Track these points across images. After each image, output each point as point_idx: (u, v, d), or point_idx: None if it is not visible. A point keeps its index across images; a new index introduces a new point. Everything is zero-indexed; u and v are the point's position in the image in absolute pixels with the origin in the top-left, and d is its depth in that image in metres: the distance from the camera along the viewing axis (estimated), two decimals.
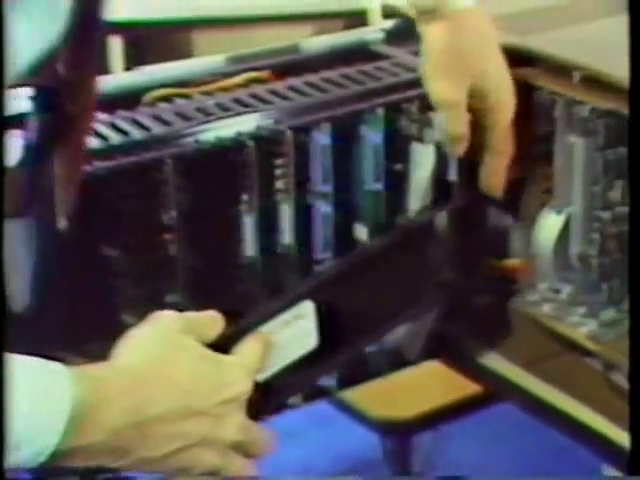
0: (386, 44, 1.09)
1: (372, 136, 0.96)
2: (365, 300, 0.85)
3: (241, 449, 0.77)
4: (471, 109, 0.95)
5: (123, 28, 1.62)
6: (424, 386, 1.54)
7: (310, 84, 0.99)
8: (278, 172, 0.92)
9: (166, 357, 0.75)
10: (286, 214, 0.93)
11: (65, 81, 0.76)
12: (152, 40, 1.73)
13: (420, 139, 0.98)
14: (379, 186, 0.98)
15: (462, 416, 1.58)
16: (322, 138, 0.93)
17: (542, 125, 0.98)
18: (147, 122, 0.90)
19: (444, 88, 0.95)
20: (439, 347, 1.04)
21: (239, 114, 0.92)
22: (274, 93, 0.97)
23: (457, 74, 0.95)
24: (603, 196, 0.97)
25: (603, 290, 1.00)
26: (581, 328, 1.00)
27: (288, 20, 1.61)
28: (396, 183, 0.98)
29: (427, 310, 0.97)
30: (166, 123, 0.90)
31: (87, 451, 0.70)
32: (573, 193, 0.98)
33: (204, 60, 1.03)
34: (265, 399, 0.77)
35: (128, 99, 0.94)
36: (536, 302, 1.02)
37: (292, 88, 0.98)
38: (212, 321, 0.78)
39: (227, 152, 0.89)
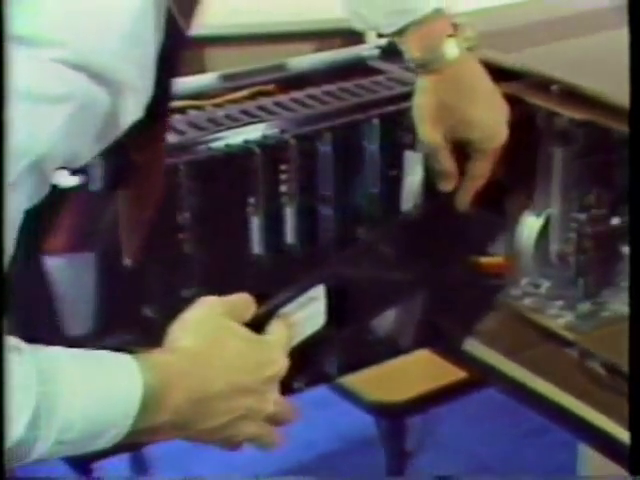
0: (381, 60, 1.09)
1: (369, 145, 0.96)
2: (365, 285, 0.87)
3: (274, 419, 0.79)
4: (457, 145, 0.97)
5: None
6: (415, 372, 1.54)
7: (312, 97, 0.99)
8: (283, 177, 0.92)
9: (217, 339, 0.76)
10: (290, 216, 0.93)
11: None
12: None
13: (412, 147, 0.98)
14: (375, 190, 0.98)
15: (450, 399, 1.58)
16: (323, 146, 0.93)
17: (524, 135, 0.98)
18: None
19: (429, 133, 0.96)
20: (429, 337, 1.04)
21: (247, 124, 0.92)
22: (279, 105, 0.97)
23: (441, 122, 0.95)
24: (579, 200, 0.98)
25: (579, 285, 1.00)
26: (559, 319, 1.00)
27: (291, 38, 1.61)
28: (391, 187, 0.98)
29: (415, 296, 0.98)
30: (180, 132, 0.90)
31: (154, 429, 0.72)
32: (552, 197, 0.98)
33: (215, 75, 1.03)
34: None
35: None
36: (518, 296, 1.03)
37: (295, 100, 0.98)
38: (246, 303, 0.79)
39: (236, 159, 0.89)
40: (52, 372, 0.67)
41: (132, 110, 0.67)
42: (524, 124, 0.97)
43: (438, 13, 0.95)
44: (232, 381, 0.75)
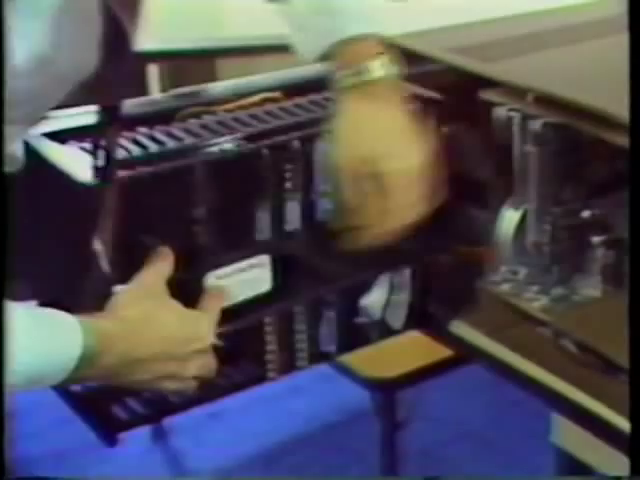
0: None
1: None
2: (318, 260, 0.90)
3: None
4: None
5: (159, 57, 1.61)
6: (407, 351, 1.53)
7: (314, 102, 0.99)
8: (287, 175, 0.92)
9: (153, 312, 0.80)
10: (294, 209, 0.93)
11: None
12: (183, 66, 1.73)
13: None
14: None
15: (438, 375, 1.58)
16: (324, 147, 0.93)
17: (503, 136, 0.98)
18: (180, 134, 0.90)
19: (342, 158, 0.86)
20: (419, 319, 1.04)
21: (254, 127, 0.92)
22: (284, 110, 0.97)
23: (357, 148, 0.85)
24: (553, 195, 0.97)
25: (553, 272, 1.00)
26: (535, 303, 1.00)
27: (290, 50, 1.60)
28: None
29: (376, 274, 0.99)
30: (196, 135, 0.90)
31: (85, 379, 0.77)
32: (529, 193, 0.98)
33: (226, 83, 1.02)
34: None
35: (164, 116, 0.94)
36: (498, 281, 1.02)
37: (299, 106, 0.98)
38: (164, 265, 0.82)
39: (246, 159, 0.89)
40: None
41: None
42: (502, 127, 0.97)
43: (367, 35, 0.85)
44: (160, 350, 0.79)
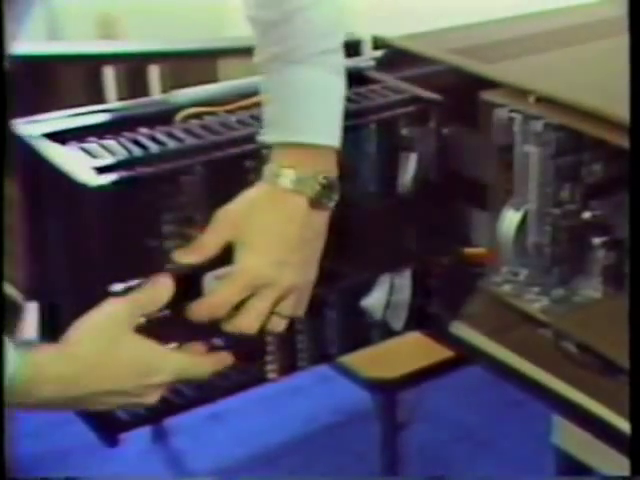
0: (376, 70, 1.08)
1: (367, 146, 0.96)
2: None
3: None
4: None
5: (160, 57, 1.61)
6: (407, 352, 1.54)
7: None
8: None
9: (105, 349, 0.77)
10: None
11: None
12: (184, 67, 1.73)
13: (407, 149, 0.98)
14: (373, 188, 0.97)
15: (439, 376, 1.58)
16: None
17: (504, 137, 0.98)
18: (181, 135, 0.89)
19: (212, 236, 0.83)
20: (420, 320, 1.04)
21: (257, 128, 0.91)
22: None
23: (229, 233, 0.82)
24: (554, 196, 0.97)
25: (554, 273, 1.00)
26: (536, 304, 1.00)
27: None
28: (388, 185, 0.98)
29: (379, 274, 0.98)
30: (197, 136, 0.90)
31: (30, 406, 0.76)
32: (529, 193, 0.98)
33: (227, 84, 1.02)
34: None
35: (165, 116, 0.94)
36: (499, 282, 1.02)
37: None
38: (153, 296, 0.80)
39: (247, 159, 0.88)
40: None
41: None
42: (504, 127, 0.98)
43: (317, 146, 0.81)
44: (111, 387, 0.77)
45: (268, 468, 1.91)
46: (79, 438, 1.97)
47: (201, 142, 0.88)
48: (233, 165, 0.87)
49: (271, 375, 0.95)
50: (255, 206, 0.82)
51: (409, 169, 0.98)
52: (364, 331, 1.01)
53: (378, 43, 1.12)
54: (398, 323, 1.03)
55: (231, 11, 1.79)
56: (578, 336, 0.97)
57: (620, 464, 0.89)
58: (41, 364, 0.75)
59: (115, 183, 0.81)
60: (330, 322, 0.98)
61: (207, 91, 0.99)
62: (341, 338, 0.99)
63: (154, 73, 1.62)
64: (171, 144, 0.87)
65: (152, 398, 0.80)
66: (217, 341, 0.86)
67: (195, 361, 0.82)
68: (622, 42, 0.86)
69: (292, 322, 0.91)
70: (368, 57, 1.10)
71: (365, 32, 1.25)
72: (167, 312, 0.83)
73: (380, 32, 1.13)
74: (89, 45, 1.88)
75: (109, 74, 1.59)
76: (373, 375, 1.56)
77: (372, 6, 1.85)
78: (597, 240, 0.99)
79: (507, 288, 1.02)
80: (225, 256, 0.83)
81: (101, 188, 0.81)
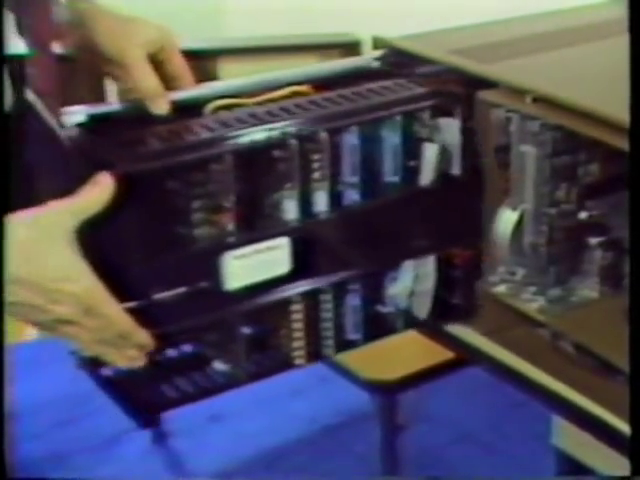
0: (381, 68, 1.08)
1: (391, 138, 0.97)
2: (340, 246, 0.93)
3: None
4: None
5: None
6: (407, 353, 1.55)
7: (342, 96, 0.99)
8: (315, 165, 0.93)
9: (35, 240, 0.80)
10: (320, 198, 0.95)
11: None
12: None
13: (430, 140, 0.99)
14: (396, 178, 0.99)
15: (438, 377, 1.59)
16: (351, 139, 0.95)
17: (501, 137, 0.98)
18: (213, 125, 0.91)
19: (123, 52, 0.93)
20: (443, 310, 1.04)
21: (285, 119, 0.94)
22: (313, 103, 0.98)
23: (129, 39, 0.93)
24: (550, 196, 0.97)
25: (550, 273, 1.00)
26: (532, 303, 1.00)
27: (295, 50, 1.61)
28: (410, 176, 0.99)
29: (386, 269, 1.00)
30: (228, 126, 0.92)
31: None
32: (526, 193, 0.98)
33: (255, 77, 1.03)
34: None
35: (195, 107, 0.96)
36: (496, 282, 1.02)
37: (328, 99, 0.99)
38: (97, 196, 0.82)
39: (274, 149, 0.91)
40: None
41: None
42: (500, 127, 0.98)
43: None
44: (26, 276, 0.79)
45: (268, 469, 1.92)
46: (79, 439, 1.99)
47: (231, 132, 0.90)
48: (262, 154, 0.90)
49: (298, 361, 0.97)
50: None
51: (431, 161, 0.99)
52: (389, 319, 1.02)
53: (378, 43, 1.12)
54: (422, 312, 1.03)
55: (231, 11, 1.80)
56: (575, 336, 0.97)
57: (620, 464, 0.89)
58: None
59: (151, 170, 0.84)
60: (355, 309, 0.99)
61: (235, 84, 1.01)
62: (365, 326, 1.00)
63: None
64: (203, 134, 0.90)
65: (64, 311, 0.81)
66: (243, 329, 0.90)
67: (113, 308, 0.84)
68: (621, 43, 0.87)
69: (317, 309, 0.95)
70: (369, 57, 1.11)
71: (365, 32, 1.26)
72: (184, 291, 0.86)
73: (380, 32, 1.14)
74: None
75: None
76: (373, 376, 1.57)
77: (372, 6, 1.86)
78: (594, 240, 0.99)
79: (504, 288, 1.02)
80: (245, 236, 0.87)
81: (137, 174, 0.83)
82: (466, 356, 1.08)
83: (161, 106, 0.94)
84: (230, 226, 0.89)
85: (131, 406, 0.91)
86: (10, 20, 0.92)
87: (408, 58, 1.07)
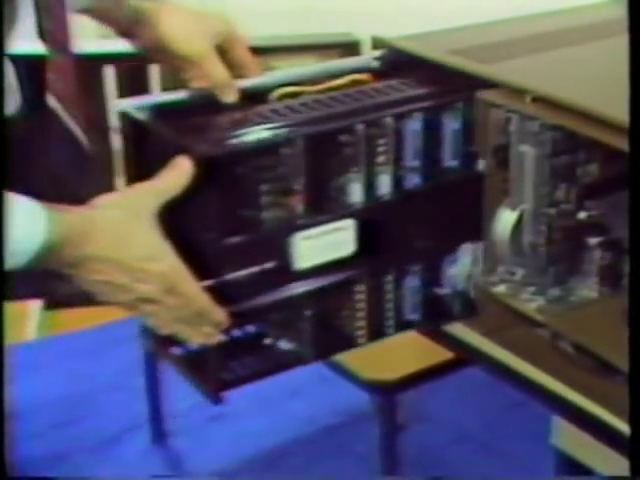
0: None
1: (452, 124, 0.99)
2: (403, 228, 0.97)
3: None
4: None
5: None
6: (406, 354, 1.55)
7: (404, 83, 1.02)
8: (380, 150, 0.96)
9: (121, 221, 0.83)
10: (384, 181, 0.97)
11: None
12: None
13: None
14: (455, 163, 1.01)
15: (438, 377, 1.59)
16: (414, 124, 0.97)
17: (500, 137, 0.99)
18: (282, 111, 0.95)
19: (193, 47, 0.98)
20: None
21: (349, 106, 0.97)
22: (376, 90, 1.00)
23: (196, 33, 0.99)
24: (550, 196, 0.98)
25: (550, 273, 1.00)
26: (532, 303, 1.00)
27: (295, 50, 1.62)
28: (468, 161, 1.01)
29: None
30: (297, 112, 0.95)
31: (53, 265, 0.82)
32: (525, 193, 0.98)
33: (316, 65, 1.07)
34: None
35: (259, 95, 0.99)
36: (495, 282, 1.03)
37: (389, 86, 1.01)
38: (176, 179, 0.85)
39: (342, 134, 0.93)
40: None
41: None
42: (500, 127, 0.99)
43: None
44: (114, 255, 0.82)
45: (268, 469, 1.92)
46: (79, 439, 1.99)
47: (302, 117, 0.94)
48: (329, 139, 0.93)
49: (360, 340, 0.99)
50: None
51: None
52: (447, 301, 1.04)
53: (378, 43, 1.12)
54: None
55: (231, 11, 1.80)
56: (574, 336, 0.97)
57: (619, 464, 0.90)
58: (71, 222, 0.81)
59: (225, 153, 0.87)
60: (413, 291, 1.01)
61: (297, 72, 1.05)
62: (424, 307, 1.03)
63: (154, 73, 1.63)
64: (274, 118, 0.93)
65: (147, 290, 0.84)
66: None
67: (193, 286, 0.86)
68: (620, 43, 0.87)
69: (380, 289, 0.98)
70: (369, 57, 1.11)
71: (365, 32, 1.26)
72: (255, 270, 0.90)
73: (380, 32, 1.14)
74: (89, 45, 1.89)
75: (109, 74, 1.60)
76: (373, 377, 1.57)
77: (372, 6, 1.86)
78: (593, 240, 0.99)
79: (503, 287, 1.02)
80: (313, 218, 0.91)
81: (215, 158, 0.86)
82: (466, 356, 1.08)
83: (231, 95, 0.98)
84: (299, 208, 0.93)
85: (200, 383, 0.95)
86: (30, 23, 0.94)
87: (408, 58, 1.07)
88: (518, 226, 0.99)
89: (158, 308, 0.86)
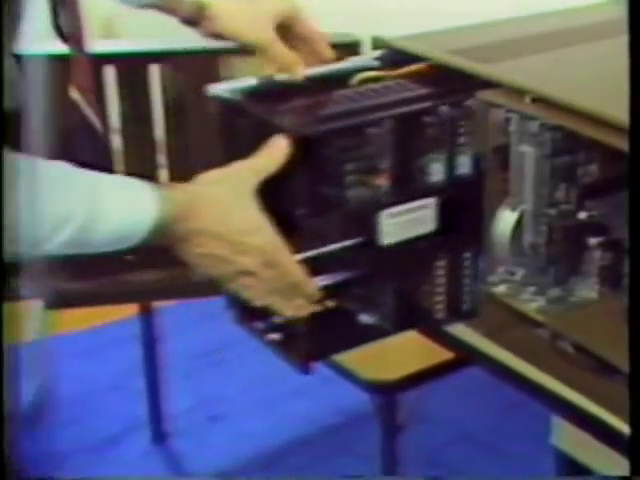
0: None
1: None
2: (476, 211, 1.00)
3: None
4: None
5: (159, 57, 1.62)
6: (407, 354, 1.55)
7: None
8: (460, 131, 0.98)
9: (223, 195, 0.87)
10: (465, 162, 0.99)
11: None
12: (185, 66, 1.73)
13: None
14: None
15: (438, 378, 1.59)
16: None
17: (500, 137, 0.99)
18: (369, 94, 0.98)
19: (254, 33, 1.02)
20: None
21: (430, 89, 1.00)
22: (454, 72, 1.03)
23: (257, 20, 1.02)
24: (550, 196, 0.98)
25: (550, 273, 1.00)
26: (532, 304, 1.01)
27: None
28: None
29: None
30: (382, 95, 0.98)
31: (160, 242, 0.86)
32: (525, 193, 0.98)
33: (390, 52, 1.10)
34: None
35: (340, 80, 1.02)
36: (495, 282, 1.03)
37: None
38: (274, 156, 0.89)
39: (425, 115, 0.96)
40: (94, 192, 0.80)
41: None
42: (500, 127, 0.99)
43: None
44: (216, 229, 0.86)
45: (268, 469, 1.92)
46: (79, 439, 1.99)
47: (387, 99, 0.97)
48: (413, 120, 0.96)
49: (439, 315, 1.03)
50: None
51: None
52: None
53: (377, 43, 1.12)
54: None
55: None
56: (574, 336, 0.98)
57: (619, 464, 0.90)
58: (180, 200, 0.84)
59: (318, 133, 0.91)
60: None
61: (373, 58, 1.09)
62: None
63: (154, 73, 1.63)
64: (360, 100, 0.96)
65: (247, 262, 0.87)
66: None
67: (289, 259, 0.89)
68: (620, 43, 0.87)
69: (459, 266, 1.02)
70: (369, 57, 1.11)
71: (365, 32, 1.26)
72: (343, 245, 0.94)
73: (379, 32, 1.14)
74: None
75: (109, 74, 1.60)
76: (373, 376, 1.57)
77: (372, 6, 1.86)
78: (593, 240, 1.00)
79: (503, 288, 1.02)
80: (398, 196, 0.95)
81: (309, 137, 0.90)
82: (466, 356, 1.08)
83: (299, 74, 1.02)
84: (384, 186, 0.96)
85: (287, 355, 0.98)
86: (46, 20, 0.97)
87: (408, 58, 1.07)
88: (518, 226, 1.00)
89: (255, 280, 0.89)
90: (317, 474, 1.89)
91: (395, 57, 1.09)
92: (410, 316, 1.02)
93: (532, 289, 1.01)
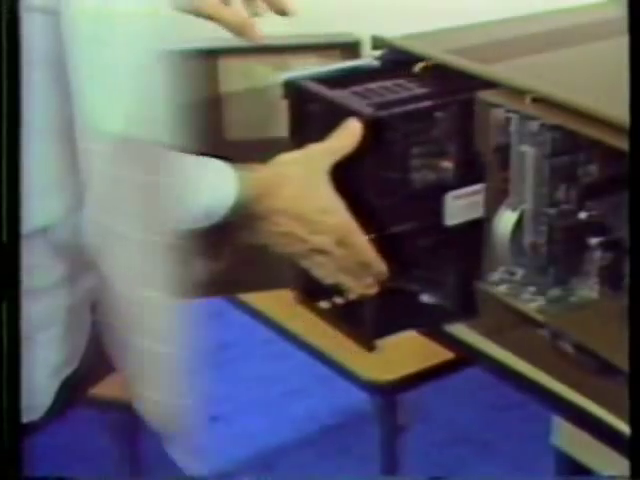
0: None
1: None
2: None
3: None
4: None
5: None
6: (407, 354, 1.55)
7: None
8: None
9: (299, 175, 0.90)
10: None
11: None
12: (184, 67, 1.73)
13: None
14: None
15: (438, 378, 1.59)
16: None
17: (500, 137, 0.99)
18: (435, 80, 1.02)
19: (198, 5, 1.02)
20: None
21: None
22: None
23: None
24: (550, 196, 0.98)
25: (550, 273, 1.00)
26: (532, 303, 1.00)
27: (295, 50, 1.61)
28: None
29: None
30: (446, 80, 1.01)
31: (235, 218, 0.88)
32: (525, 193, 0.98)
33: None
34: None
35: (403, 67, 1.06)
36: (495, 282, 1.03)
37: None
38: (348, 139, 0.92)
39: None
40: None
41: None
42: (500, 127, 0.99)
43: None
44: (292, 207, 0.89)
45: (267, 469, 1.92)
46: (79, 438, 1.99)
47: (453, 85, 1.00)
48: (467, 107, 0.98)
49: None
50: None
51: None
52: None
53: (378, 43, 1.12)
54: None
55: None
56: (574, 336, 0.98)
57: (619, 464, 0.90)
58: (259, 180, 0.88)
59: (391, 116, 0.94)
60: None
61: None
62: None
63: None
64: (427, 85, 1.00)
65: (321, 241, 0.90)
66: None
67: (361, 238, 0.92)
68: (620, 43, 0.87)
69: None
70: (370, 57, 1.12)
71: (365, 32, 1.26)
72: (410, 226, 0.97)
73: (380, 32, 1.14)
74: None
75: None
76: (373, 377, 1.57)
77: (372, 6, 1.86)
78: (594, 240, 0.99)
79: (503, 288, 1.02)
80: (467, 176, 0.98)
81: (382, 120, 0.93)
82: (466, 356, 1.08)
83: (255, 35, 1.04)
84: (450, 169, 0.98)
85: (352, 332, 1.01)
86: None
87: (408, 58, 1.07)
88: (518, 226, 1.00)
89: (327, 259, 0.92)
90: (317, 474, 1.89)
91: (395, 57, 1.09)
92: (474, 301, 1.03)
93: (532, 289, 1.01)
